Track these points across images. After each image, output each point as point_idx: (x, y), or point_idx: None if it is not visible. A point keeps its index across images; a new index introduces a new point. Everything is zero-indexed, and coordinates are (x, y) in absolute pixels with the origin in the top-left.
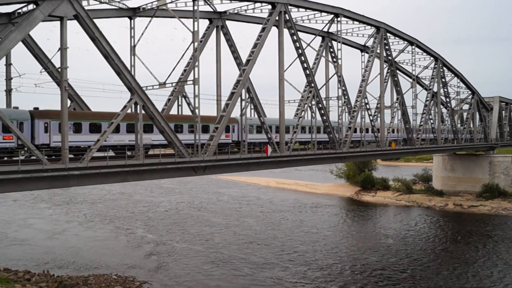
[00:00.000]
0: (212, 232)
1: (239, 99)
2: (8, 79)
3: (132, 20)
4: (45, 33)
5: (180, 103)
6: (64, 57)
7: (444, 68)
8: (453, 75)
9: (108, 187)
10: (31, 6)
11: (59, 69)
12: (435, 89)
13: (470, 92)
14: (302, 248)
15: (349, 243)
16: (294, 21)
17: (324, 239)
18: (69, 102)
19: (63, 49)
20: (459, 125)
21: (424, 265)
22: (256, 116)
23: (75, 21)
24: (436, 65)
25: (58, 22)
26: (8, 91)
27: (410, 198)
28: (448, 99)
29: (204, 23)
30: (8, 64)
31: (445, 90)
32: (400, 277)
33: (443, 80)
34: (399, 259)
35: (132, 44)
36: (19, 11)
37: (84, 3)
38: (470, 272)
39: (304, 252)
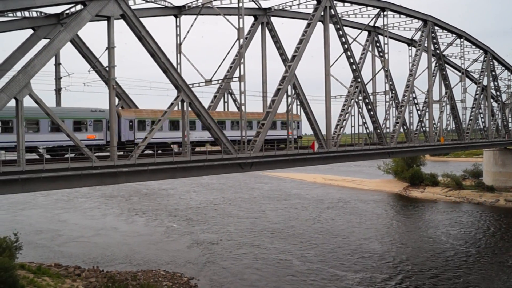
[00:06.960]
0: (248, 226)
1: (285, 95)
2: (58, 78)
3: (177, 18)
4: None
5: (226, 100)
6: (111, 56)
7: (494, 61)
8: (503, 68)
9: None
10: (79, 7)
11: (107, 68)
12: (485, 83)
13: None
14: (344, 243)
15: (395, 238)
16: (339, 16)
17: (368, 232)
18: (117, 100)
19: (110, 48)
20: (510, 119)
21: (473, 263)
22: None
23: (121, 20)
24: (485, 58)
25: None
26: (58, 90)
27: (460, 194)
28: (498, 93)
29: (249, 20)
30: (58, 64)
31: (496, 83)
32: (447, 275)
33: (493, 73)
34: (446, 256)
35: (178, 42)
36: (67, 11)
37: (130, 3)
38: None
39: (341, 246)
